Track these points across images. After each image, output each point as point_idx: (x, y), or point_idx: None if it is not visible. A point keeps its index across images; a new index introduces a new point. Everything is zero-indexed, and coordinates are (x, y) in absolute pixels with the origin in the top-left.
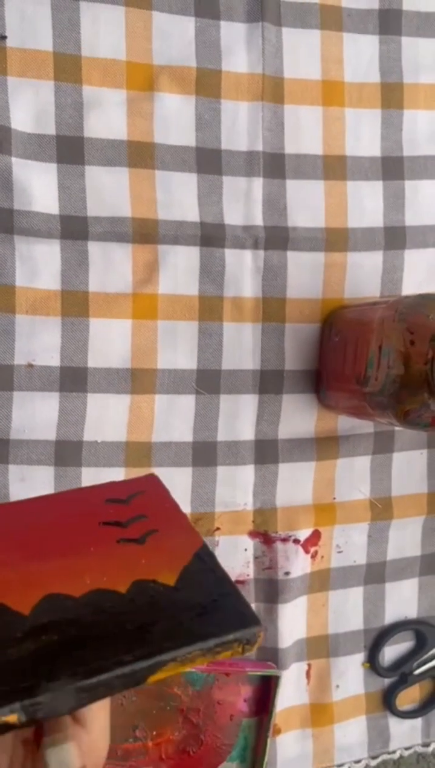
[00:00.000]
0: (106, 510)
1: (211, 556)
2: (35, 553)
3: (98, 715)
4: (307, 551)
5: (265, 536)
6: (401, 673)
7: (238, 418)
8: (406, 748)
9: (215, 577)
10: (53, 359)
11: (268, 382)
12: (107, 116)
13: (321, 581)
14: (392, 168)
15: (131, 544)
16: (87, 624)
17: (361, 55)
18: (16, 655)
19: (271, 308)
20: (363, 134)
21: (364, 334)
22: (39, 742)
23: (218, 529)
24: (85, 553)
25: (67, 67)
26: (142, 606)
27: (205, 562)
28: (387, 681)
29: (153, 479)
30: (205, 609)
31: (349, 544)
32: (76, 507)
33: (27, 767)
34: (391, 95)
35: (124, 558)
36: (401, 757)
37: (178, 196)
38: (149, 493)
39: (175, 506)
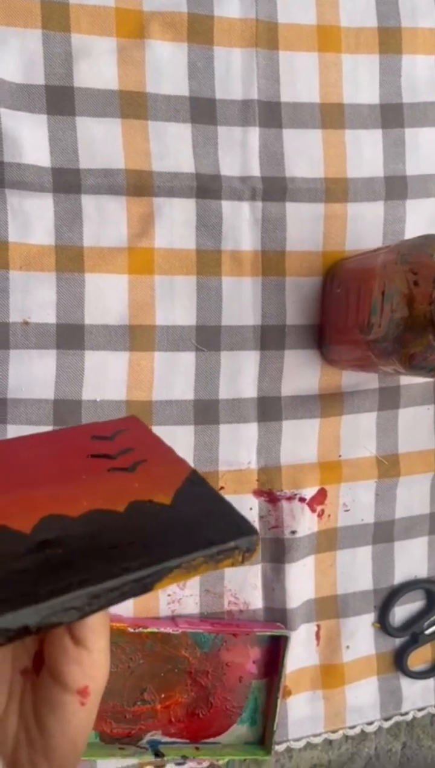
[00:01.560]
0: (92, 445)
1: (203, 480)
2: (29, 481)
3: (100, 637)
4: (313, 510)
5: (270, 495)
6: (412, 633)
7: (240, 374)
8: (419, 709)
9: (209, 496)
10: (49, 316)
11: (270, 338)
12: (97, 65)
13: (328, 540)
14: (392, 115)
15: (122, 472)
16: (90, 537)
17: None
18: (21, 567)
19: (271, 261)
20: (361, 81)
21: (367, 281)
22: (38, 671)
23: (222, 488)
24: (78, 481)
25: (55, 15)
26: (142, 522)
27: (197, 484)
28: (398, 641)
29: (134, 420)
30: (204, 522)
31: (356, 502)
32: (62, 444)
33: (26, 699)
34: (390, 40)
35: (117, 483)
36: (414, 718)
37: (173, 147)
38: (132, 431)
39: (159, 440)
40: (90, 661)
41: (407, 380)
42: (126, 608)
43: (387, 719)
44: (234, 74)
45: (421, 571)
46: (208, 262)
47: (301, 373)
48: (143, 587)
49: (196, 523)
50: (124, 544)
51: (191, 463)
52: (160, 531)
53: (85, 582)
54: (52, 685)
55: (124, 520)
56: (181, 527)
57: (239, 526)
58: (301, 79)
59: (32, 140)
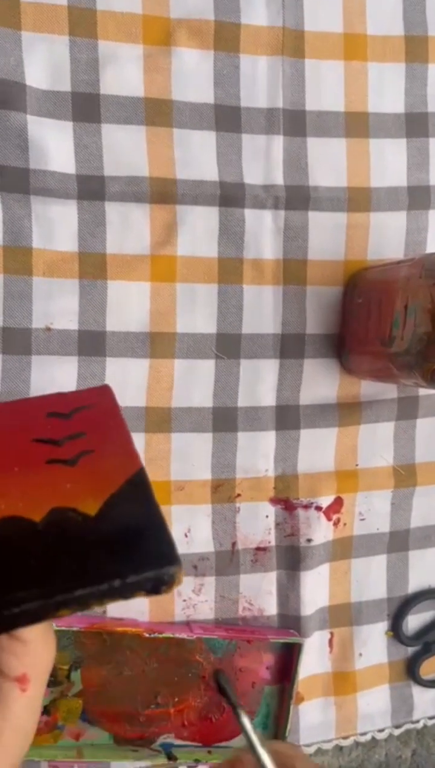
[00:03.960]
0: (44, 425)
1: (144, 485)
2: None
3: (32, 627)
4: (329, 518)
5: (286, 503)
6: (425, 642)
7: (259, 383)
8: (430, 718)
9: (142, 508)
10: (71, 322)
11: (289, 347)
12: (124, 72)
13: (343, 549)
14: (416, 125)
15: (60, 465)
16: None
17: (384, 7)
18: None
19: (292, 270)
20: (386, 90)
21: (389, 294)
22: None
23: (239, 495)
24: (8, 474)
25: (82, 21)
26: (54, 538)
27: (135, 490)
28: (410, 650)
29: (106, 391)
30: (120, 545)
31: (372, 511)
32: (12, 420)
33: None
34: (416, 49)
35: (48, 481)
36: (425, 726)
37: (197, 155)
38: (98, 407)
39: (121, 425)
40: (25, 651)
41: (426, 390)
42: (141, 613)
43: (398, 727)
44: (259, 82)
45: None
46: (229, 270)
47: (320, 382)
48: (32, 619)
49: (111, 547)
50: (24, 566)
51: (208, 470)
52: (70, 552)
53: None
54: None
55: (35, 534)
56: (93, 550)
57: (160, 553)
58: (326, 87)
59: (58, 147)
